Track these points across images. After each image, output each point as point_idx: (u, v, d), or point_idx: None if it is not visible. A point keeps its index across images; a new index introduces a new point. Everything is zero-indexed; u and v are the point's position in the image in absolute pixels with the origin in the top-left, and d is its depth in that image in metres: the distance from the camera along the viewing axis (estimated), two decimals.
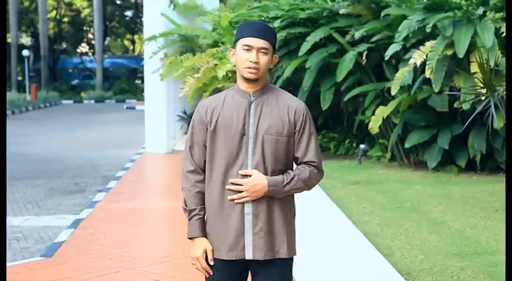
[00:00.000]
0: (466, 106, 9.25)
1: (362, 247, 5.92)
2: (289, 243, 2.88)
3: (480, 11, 9.36)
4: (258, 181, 2.78)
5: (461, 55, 8.99)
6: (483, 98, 7.82)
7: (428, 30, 9.23)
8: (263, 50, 2.80)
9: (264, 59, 2.80)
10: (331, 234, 6.46)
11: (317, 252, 5.69)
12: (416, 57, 9.38)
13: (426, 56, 9.24)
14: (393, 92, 9.73)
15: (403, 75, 9.61)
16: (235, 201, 2.80)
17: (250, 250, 2.82)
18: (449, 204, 7.81)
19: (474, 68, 8.85)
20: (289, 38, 11.49)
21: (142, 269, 5.55)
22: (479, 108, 7.86)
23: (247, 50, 2.80)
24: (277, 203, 2.85)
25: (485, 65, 7.85)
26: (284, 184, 2.82)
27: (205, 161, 2.90)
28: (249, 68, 2.80)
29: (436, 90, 9.37)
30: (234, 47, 2.88)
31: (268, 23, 11.46)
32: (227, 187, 2.81)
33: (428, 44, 9.39)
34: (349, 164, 11.15)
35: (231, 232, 2.83)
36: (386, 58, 9.92)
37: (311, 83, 11.19)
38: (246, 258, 2.83)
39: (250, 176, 2.80)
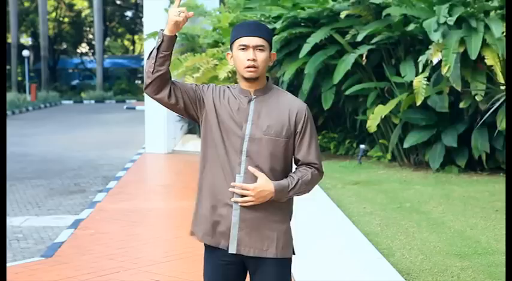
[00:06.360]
0: (479, 98, 9.16)
1: (362, 247, 5.92)
2: (279, 243, 2.84)
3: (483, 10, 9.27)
4: (266, 187, 2.76)
5: (474, 56, 8.99)
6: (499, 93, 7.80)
7: (451, 23, 9.08)
8: (259, 48, 2.81)
9: (261, 56, 2.81)
10: (331, 234, 6.46)
11: (317, 252, 5.69)
12: (432, 53, 9.20)
13: (441, 53, 9.13)
14: (418, 103, 9.51)
15: (420, 83, 9.44)
16: (240, 204, 2.79)
17: (234, 244, 2.81)
18: (449, 204, 7.81)
19: (489, 61, 8.97)
20: (290, 38, 11.46)
21: (143, 269, 5.55)
22: (489, 103, 7.84)
23: (243, 49, 2.81)
24: (271, 204, 2.81)
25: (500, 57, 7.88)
26: (289, 189, 2.80)
27: (178, 89, 2.83)
28: (248, 67, 2.80)
29: (459, 89, 9.23)
30: (230, 49, 2.88)
31: (269, 23, 11.46)
32: (230, 189, 2.78)
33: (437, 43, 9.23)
34: (349, 164, 11.15)
35: (214, 218, 2.83)
36: (420, 66, 9.50)
37: (310, 87, 11.15)
38: (229, 251, 2.81)
39: (255, 177, 2.77)
